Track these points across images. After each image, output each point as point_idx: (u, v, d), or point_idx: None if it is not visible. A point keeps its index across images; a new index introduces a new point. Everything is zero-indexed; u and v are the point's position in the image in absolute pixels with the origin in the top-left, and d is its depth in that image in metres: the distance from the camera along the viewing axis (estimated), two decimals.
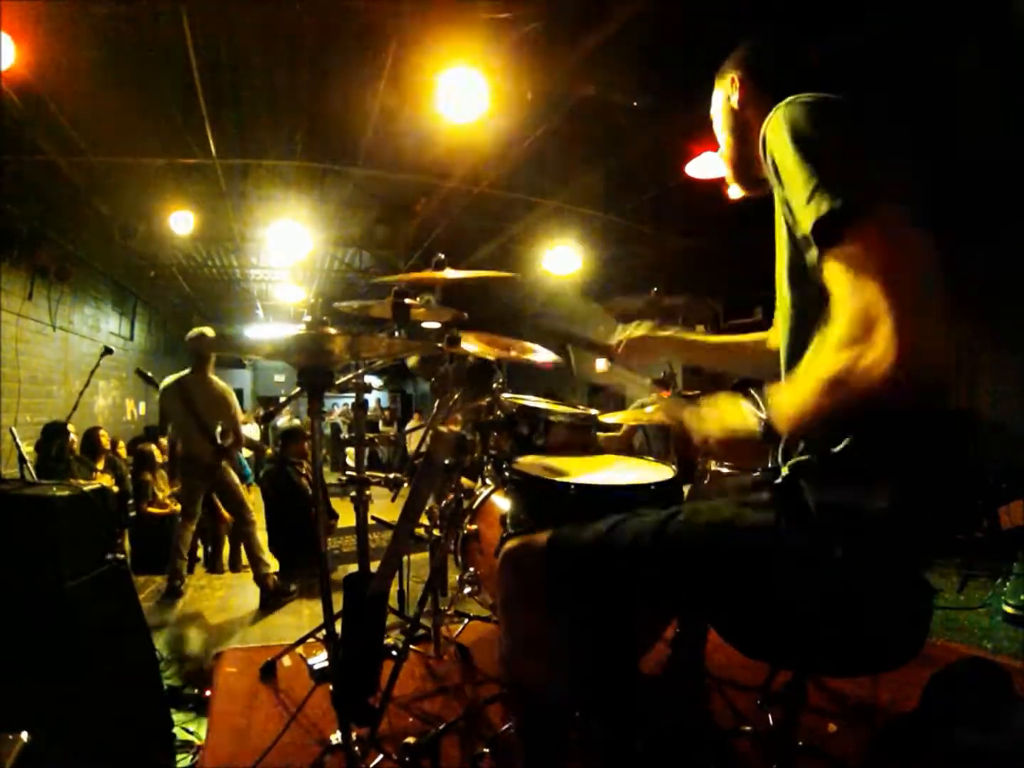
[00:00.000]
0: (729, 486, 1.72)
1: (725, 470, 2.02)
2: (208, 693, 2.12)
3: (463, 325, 2.07)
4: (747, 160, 1.09)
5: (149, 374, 4.42)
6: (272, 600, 3.44)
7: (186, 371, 3.89)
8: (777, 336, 1.05)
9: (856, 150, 0.82)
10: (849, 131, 0.84)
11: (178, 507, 4.96)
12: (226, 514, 4.50)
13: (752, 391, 1.04)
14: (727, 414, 0.94)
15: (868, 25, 2.72)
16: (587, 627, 1.24)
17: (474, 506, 2.03)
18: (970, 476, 0.92)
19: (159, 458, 5.12)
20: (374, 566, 1.47)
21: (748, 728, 1.75)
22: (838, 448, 0.88)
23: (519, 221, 5.93)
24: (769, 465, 0.97)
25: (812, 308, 0.85)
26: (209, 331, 4.06)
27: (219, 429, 3.71)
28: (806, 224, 0.79)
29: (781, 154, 0.84)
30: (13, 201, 4.82)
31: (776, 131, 0.86)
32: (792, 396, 0.84)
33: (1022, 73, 2.84)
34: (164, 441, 5.97)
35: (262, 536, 3.94)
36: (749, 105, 1.08)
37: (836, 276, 0.76)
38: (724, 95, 1.14)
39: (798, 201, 0.81)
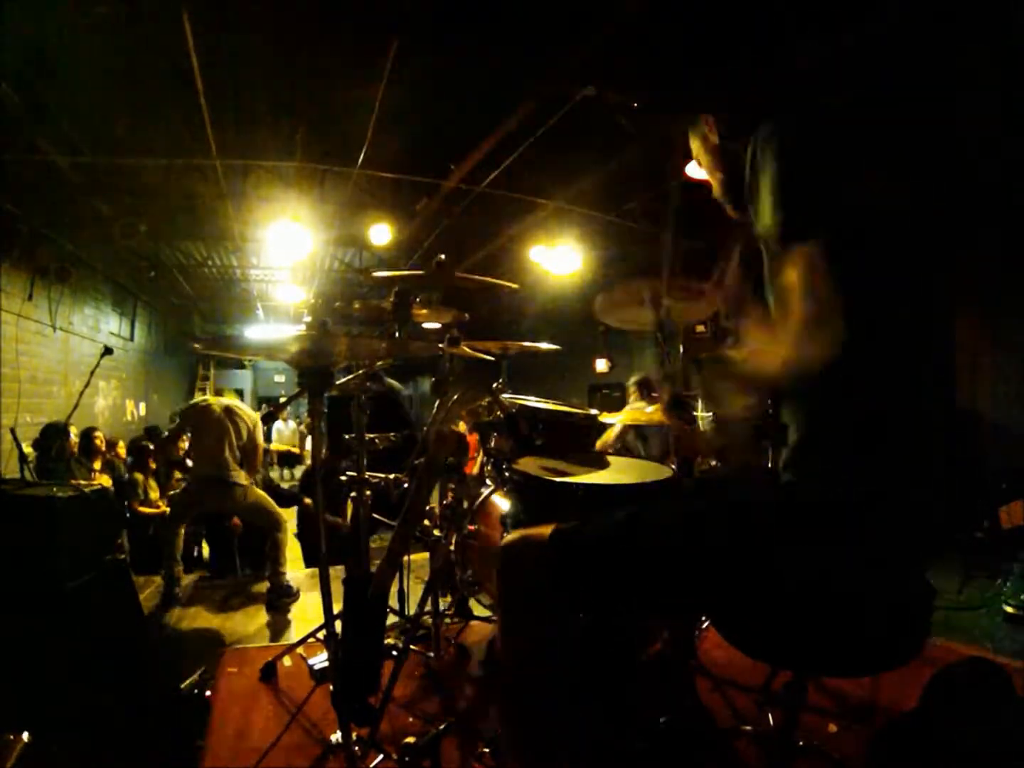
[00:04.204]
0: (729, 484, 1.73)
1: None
2: (208, 693, 2.12)
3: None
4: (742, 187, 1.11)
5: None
6: (277, 601, 3.43)
7: (224, 397, 4.00)
8: None
9: (817, 174, 0.89)
10: (812, 157, 0.90)
11: (168, 509, 4.96)
12: (236, 520, 4.47)
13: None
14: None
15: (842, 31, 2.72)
16: (586, 622, 1.24)
17: (474, 506, 2.04)
18: (970, 476, 0.93)
19: (152, 463, 5.11)
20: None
21: (748, 728, 1.74)
22: (839, 450, 0.88)
23: (519, 221, 5.93)
24: (768, 465, 0.97)
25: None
26: None
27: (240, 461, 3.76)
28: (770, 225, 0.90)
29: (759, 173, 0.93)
30: (13, 201, 4.82)
31: (761, 152, 0.92)
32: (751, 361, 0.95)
33: (1017, 74, 2.84)
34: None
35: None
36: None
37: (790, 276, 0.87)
38: (700, 137, 1.17)
39: (764, 208, 0.91)
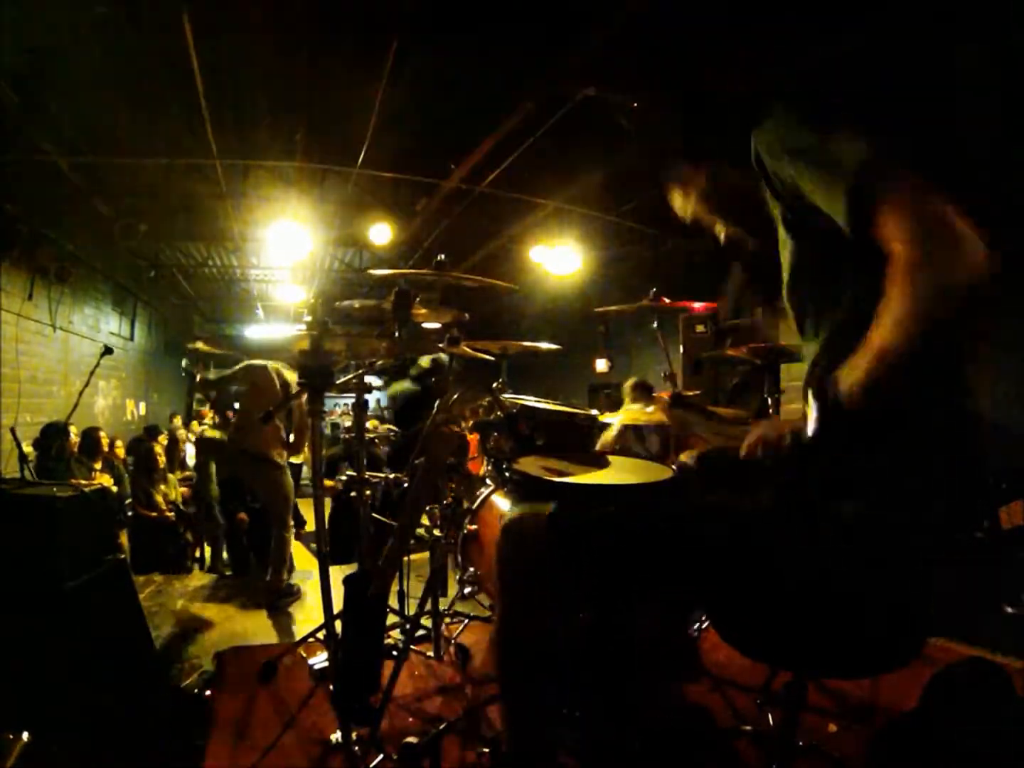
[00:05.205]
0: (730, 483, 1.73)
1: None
2: (208, 693, 2.12)
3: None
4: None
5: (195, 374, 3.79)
6: (277, 601, 3.39)
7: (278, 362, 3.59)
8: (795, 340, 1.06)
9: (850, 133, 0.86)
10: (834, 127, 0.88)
11: (171, 515, 4.94)
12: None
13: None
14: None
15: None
16: (584, 612, 1.23)
17: (474, 506, 2.03)
18: (971, 476, 0.92)
19: (161, 461, 5.10)
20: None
21: (748, 728, 1.74)
22: (840, 450, 0.88)
23: (519, 221, 5.93)
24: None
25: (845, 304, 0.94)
26: None
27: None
28: (841, 215, 0.85)
29: (789, 169, 0.90)
30: (13, 201, 4.82)
31: (770, 149, 0.91)
32: (875, 347, 0.82)
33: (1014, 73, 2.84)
34: (163, 439, 5.95)
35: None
36: (701, 204, 1.13)
37: (891, 237, 0.82)
38: (693, 189, 1.15)
39: (826, 201, 0.87)
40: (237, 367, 3.59)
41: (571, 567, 1.05)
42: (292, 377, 3.52)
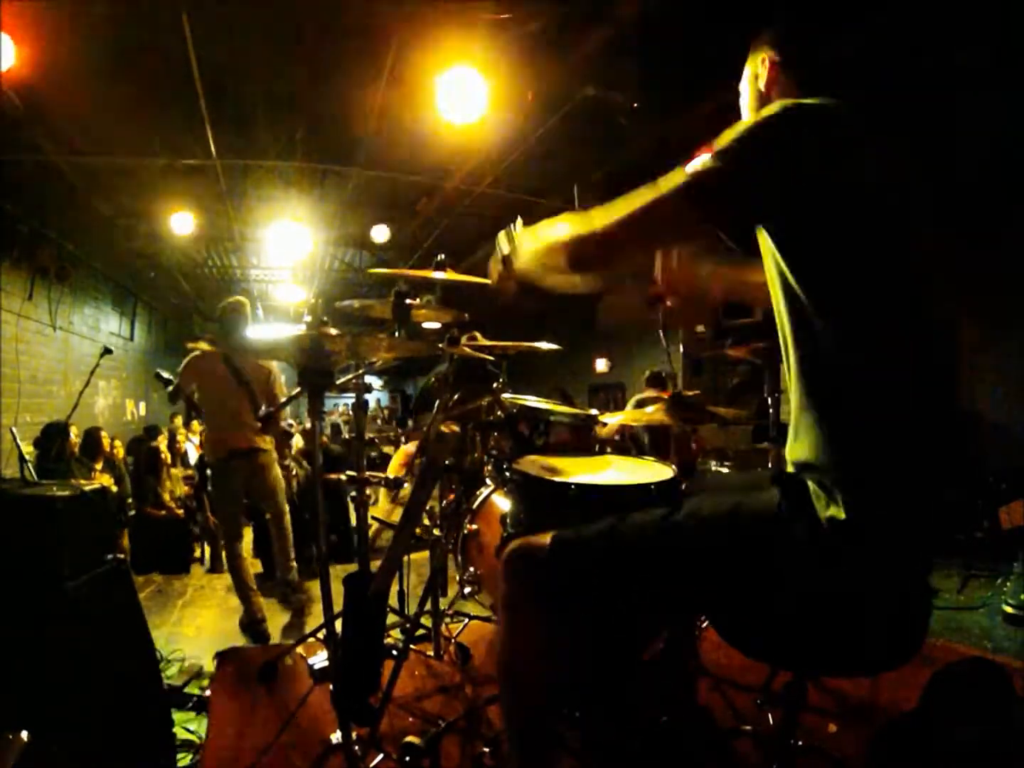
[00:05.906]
0: (730, 484, 1.73)
1: (725, 469, 2.03)
2: (208, 693, 2.12)
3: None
4: None
5: (166, 374, 3.42)
6: (292, 596, 3.31)
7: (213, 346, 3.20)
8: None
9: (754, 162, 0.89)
10: (779, 149, 0.88)
11: (180, 512, 4.94)
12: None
13: None
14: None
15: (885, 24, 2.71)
16: (589, 628, 1.23)
17: (474, 506, 2.03)
18: (970, 476, 0.92)
19: (166, 457, 5.11)
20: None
21: (748, 728, 1.74)
22: (841, 449, 0.88)
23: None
24: (770, 466, 0.97)
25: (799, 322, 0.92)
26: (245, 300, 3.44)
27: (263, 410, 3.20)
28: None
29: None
30: (13, 201, 4.82)
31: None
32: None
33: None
34: (163, 438, 5.96)
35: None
36: (775, 89, 1.09)
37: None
38: (752, 72, 1.13)
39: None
40: (178, 376, 3.24)
41: (575, 592, 1.05)
42: (244, 360, 3.24)
